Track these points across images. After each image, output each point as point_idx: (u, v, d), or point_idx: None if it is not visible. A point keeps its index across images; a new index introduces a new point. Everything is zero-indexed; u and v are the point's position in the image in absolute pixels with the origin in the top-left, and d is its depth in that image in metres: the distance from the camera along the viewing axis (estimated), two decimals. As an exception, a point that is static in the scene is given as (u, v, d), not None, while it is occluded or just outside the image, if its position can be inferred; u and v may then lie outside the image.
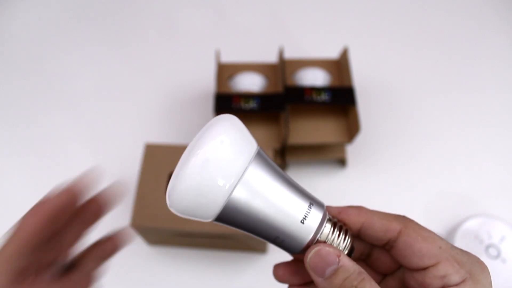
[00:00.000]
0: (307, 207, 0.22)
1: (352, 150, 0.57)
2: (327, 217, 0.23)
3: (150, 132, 0.60)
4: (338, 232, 0.22)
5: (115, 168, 0.57)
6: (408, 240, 0.22)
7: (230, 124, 0.21)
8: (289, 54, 0.62)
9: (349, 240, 0.23)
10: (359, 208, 0.24)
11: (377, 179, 0.56)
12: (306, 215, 0.22)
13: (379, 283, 0.25)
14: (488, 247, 0.47)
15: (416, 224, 0.23)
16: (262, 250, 0.50)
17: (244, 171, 0.20)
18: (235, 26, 0.72)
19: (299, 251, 0.22)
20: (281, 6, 0.75)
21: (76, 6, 0.76)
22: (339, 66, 0.58)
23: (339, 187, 0.55)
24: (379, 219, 0.23)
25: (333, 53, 0.62)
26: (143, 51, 0.70)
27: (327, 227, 0.22)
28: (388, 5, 0.74)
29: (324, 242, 0.22)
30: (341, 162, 0.57)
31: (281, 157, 0.55)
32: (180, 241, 0.49)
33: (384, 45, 0.69)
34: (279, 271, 0.25)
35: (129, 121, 0.62)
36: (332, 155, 0.56)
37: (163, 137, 0.59)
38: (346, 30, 0.71)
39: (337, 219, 0.24)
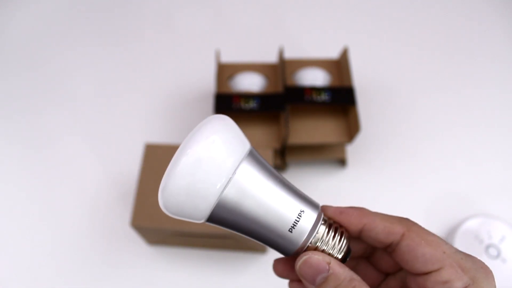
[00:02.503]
0: (301, 208, 0.21)
1: (352, 150, 0.57)
2: (322, 219, 0.22)
3: (150, 132, 0.60)
4: (333, 234, 0.22)
5: (115, 168, 0.57)
6: (411, 244, 0.21)
7: (223, 123, 0.21)
8: (289, 54, 0.62)
9: (345, 242, 0.22)
10: (361, 209, 0.24)
11: (377, 179, 0.56)
12: (299, 217, 0.21)
13: (380, 282, 0.25)
14: (488, 247, 0.47)
15: (420, 227, 0.22)
16: (262, 250, 0.50)
17: (235, 170, 0.20)
18: (235, 26, 0.72)
19: (292, 254, 0.22)
20: (281, 6, 0.75)
21: (76, 6, 0.76)
22: (339, 66, 0.58)
23: (339, 187, 0.55)
24: (381, 221, 0.23)
25: (333, 53, 0.62)
26: (143, 51, 0.70)
27: (322, 229, 0.22)
28: (388, 5, 0.74)
29: (316, 247, 0.22)
30: (341, 162, 0.57)
31: (281, 157, 0.55)
32: (180, 241, 0.49)
33: (384, 45, 0.69)
34: (279, 266, 0.25)
35: (129, 121, 0.62)
36: (332, 155, 0.56)
37: (163, 137, 0.59)
38: (346, 30, 0.71)
39: (333, 220, 0.23)
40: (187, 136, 0.21)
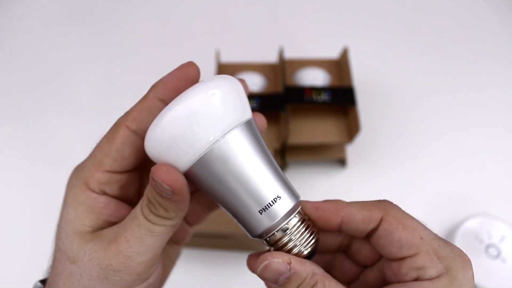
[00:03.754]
0: (279, 193, 0.21)
1: (352, 150, 0.57)
2: (298, 212, 0.22)
3: (150, 132, 0.60)
4: (303, 230, 0.22)
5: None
6: (388, 229, 0.21)
7: (228, 82, 0.20)
8: (289, 54, 0.62)
9: (312, 242, 0.22)
10: (336, 203, 0.23)
11: (377, 179, 0.56)
12: (275, 201, 0.21)
13: (358, 275, 0.25)
14: (488, 247, 0.47)
15: (399, 211, 0.22)
16: (262, 250, 0.50)
17: (230, 130, 0.20)
18: (235, 26, 0.72)
19: (256, 235, 0.22)
20: (281, 7, 0.75)
21: (76, 7, 0.76)
22: (339, 66, 0.58)
23: (339, 187, 0.55)
24: (359, 210, 0.22)
25: (333, 53, 0.62)
26: (143, 51, 0.70)
27: (293, 221, 0.21)
28: (388, 5, 0.74)
29: (282, 236, 0.21)
30: (341, 162, 0.57)
31: (281, 157, 0.55)
32: (180, 241, 0.49)
33: (384, 45, 0.69)
34: (252, 261, 0.24)
35: (129, 121, 0.62)
36: (332, 155, 0.55)
37: (163, 137, 0.59)
38: (346, 30, 0.71)
39: (309, 217, 0.23)
40: (190, 87, 0.21)
